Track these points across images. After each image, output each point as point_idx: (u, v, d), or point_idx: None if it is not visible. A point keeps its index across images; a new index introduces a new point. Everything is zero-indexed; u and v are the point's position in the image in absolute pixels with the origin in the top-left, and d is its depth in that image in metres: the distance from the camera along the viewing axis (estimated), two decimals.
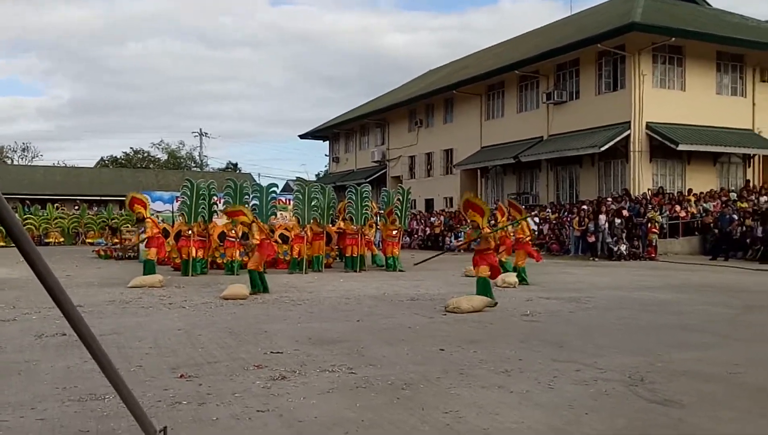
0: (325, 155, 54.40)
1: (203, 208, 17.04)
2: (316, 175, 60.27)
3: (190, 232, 16.64)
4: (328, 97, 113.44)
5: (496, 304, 10.30)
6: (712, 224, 23.25)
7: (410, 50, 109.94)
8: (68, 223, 36.14)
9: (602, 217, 22.80)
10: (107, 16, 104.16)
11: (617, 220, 22.73)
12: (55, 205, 38.38)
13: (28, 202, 39.45)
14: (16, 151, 69.48)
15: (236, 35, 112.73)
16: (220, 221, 18.42)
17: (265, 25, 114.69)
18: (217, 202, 18.58)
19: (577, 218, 24.18)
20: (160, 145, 71.30)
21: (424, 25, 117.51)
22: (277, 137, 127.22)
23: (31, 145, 72.25)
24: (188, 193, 16.95)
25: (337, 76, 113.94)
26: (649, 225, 22.70)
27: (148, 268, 14.84)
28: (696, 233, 24.11)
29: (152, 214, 17.05)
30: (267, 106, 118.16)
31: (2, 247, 28.95)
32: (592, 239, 22.87)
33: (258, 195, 17.44)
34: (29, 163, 65.14)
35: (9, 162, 64.86)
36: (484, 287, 10.63)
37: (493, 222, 15.52)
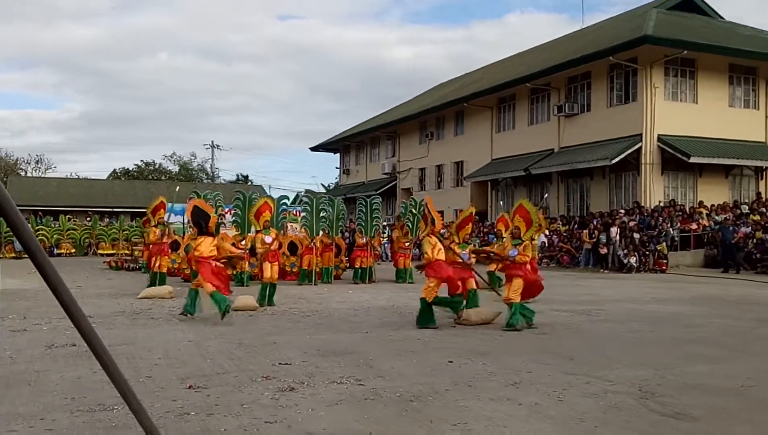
0: (336, 168, 54.58)
1: None
2: (325, 187, 60.34)
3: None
4: (335, 109, 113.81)
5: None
6: (710, 236, 23.17)
7: (416, 63, 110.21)
8: (80, 235, 36.38)
9: (613, 230, 22.70)
10: (115, 33, 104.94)
11: (628, 232, 22.64)
12: (68, 216, 38.62)
13: (40, 213, 39.69)
14: (29, 163, 70.04)
15: (243, 49, 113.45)
16: (231, 233, 18.47)
17: (273, 39, 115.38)
18: (224, 214, 18.65)
19: (586, 230, 24.09)
20: (172, 157, 71.77)
21: (430, 38, 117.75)
22: (287, 150, 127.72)
23: (44, 158, 72.76)
24: None
25: (344, 89, 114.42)
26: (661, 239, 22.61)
27: (161, 280, 15.08)
28: (710, 247, 23.90)
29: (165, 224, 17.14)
30: (275, 118, 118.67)
31: (13, 258, 29.14)
32: (604, 251, 22.78)
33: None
34: (42, 175, 65.64)
35: (23, 174, 65.38)
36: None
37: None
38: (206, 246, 10.75)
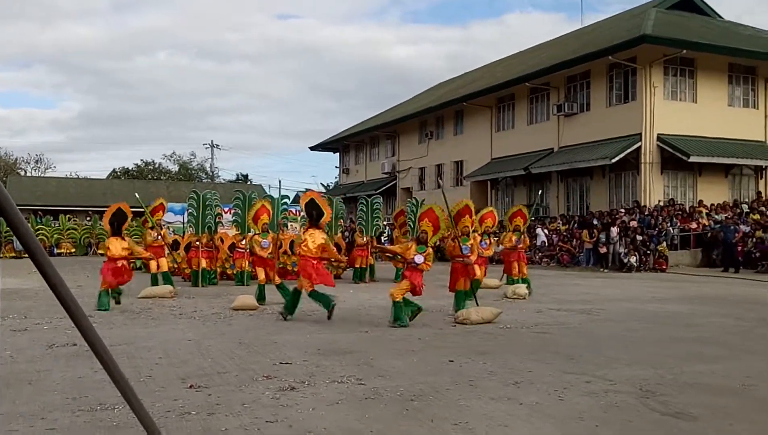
0: (336, 167, 54.61)
1: (210, 218, 17.12)
2: (325, 186, 60.32)
3: (198, 242, 16.74)
4: (334, 109, 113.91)
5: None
6: (711, 235, 23.16)
7: (414, 63, 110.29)
8: (80, 234, 36.43)
9: (614, 229, 22.70)
10: (114, 32, 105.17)
11: (630, 233, 22.65)
12: (68, 216, 38.65)
13: (40, 212, 39.72)
14: (29, 163, 70.00)
15: (241, 49, 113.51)
16: (231, 232, 18.49)
17: (271, 39, 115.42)
18: (222, 213, 18.66)
19: (586, 230, 24.06)
20: (171, 156, 71.80)
21: (428, 37, 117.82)
22: (286, 149, 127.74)
23: (44, 157, 72.67)
24: (194, 204, 17.06)
25: (343, 88, 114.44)
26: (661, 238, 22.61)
27: (166, 279, 15.13)
28: (710, 246, 23.89)
29: (164, 225, 17.17)
30: (275, 118, 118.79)
31: (13, 257, 29.14)
32: (603, 250, 22.80)
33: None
34: (42, 175, 65.62)
35: (23, 173, 65.33)
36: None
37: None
38: (117, 247, 11.65)
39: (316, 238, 10.22)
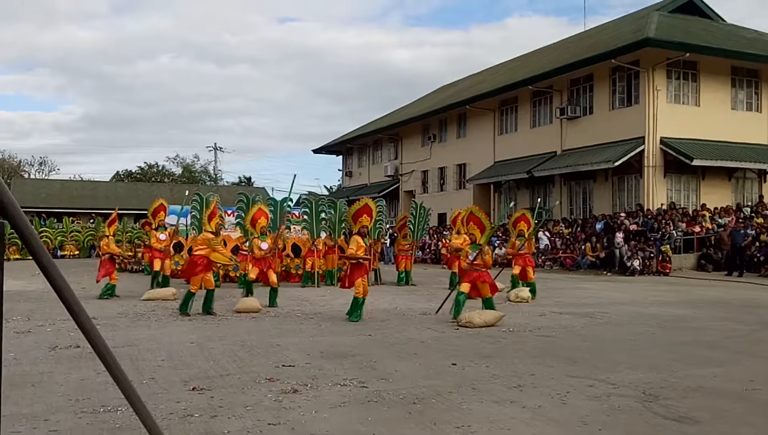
0: (339, 170, 54.62)
1: None
2: (328, 189, 60.35)
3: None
4: (336, 112, 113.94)
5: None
6: (714, 240, 23.13)
7: (415, 66, 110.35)
8: (84, 236, 36.50)
9: (619, 235, 22.66)
10: (115, 35, 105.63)
11: (632, 235, 22.62)
12: (71, 218, 38.72)
13: (44, 215, 39.78)
14: (33, 165, 70.19)
15: (242, 52, 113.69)
16: (234, 235, 18.49)
17: (272, 42, 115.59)
18: (224, 215, 18.67)
19: (589, 244, 23.97)
20: (175, 159, 71.94)
21: (429, 41, 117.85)
22: (289, 152, 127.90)
23: (48, 159, 72.79)
24: (198, 207, 17.09)
25: (345, 91, 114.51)
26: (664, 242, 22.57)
27: (163, 282, 15.16)
28: (714, 250, 23.81)
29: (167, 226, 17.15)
30: (277, 121, 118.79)
31: (18, 259, 29.18)
32: (603, 255, 22.82)
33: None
34: (46, 177, 65.75)
35: (26, 176, 65.45)
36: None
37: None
38: (113, 246, 14.58)
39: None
